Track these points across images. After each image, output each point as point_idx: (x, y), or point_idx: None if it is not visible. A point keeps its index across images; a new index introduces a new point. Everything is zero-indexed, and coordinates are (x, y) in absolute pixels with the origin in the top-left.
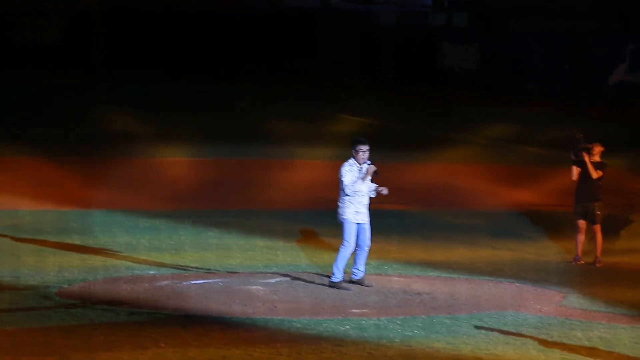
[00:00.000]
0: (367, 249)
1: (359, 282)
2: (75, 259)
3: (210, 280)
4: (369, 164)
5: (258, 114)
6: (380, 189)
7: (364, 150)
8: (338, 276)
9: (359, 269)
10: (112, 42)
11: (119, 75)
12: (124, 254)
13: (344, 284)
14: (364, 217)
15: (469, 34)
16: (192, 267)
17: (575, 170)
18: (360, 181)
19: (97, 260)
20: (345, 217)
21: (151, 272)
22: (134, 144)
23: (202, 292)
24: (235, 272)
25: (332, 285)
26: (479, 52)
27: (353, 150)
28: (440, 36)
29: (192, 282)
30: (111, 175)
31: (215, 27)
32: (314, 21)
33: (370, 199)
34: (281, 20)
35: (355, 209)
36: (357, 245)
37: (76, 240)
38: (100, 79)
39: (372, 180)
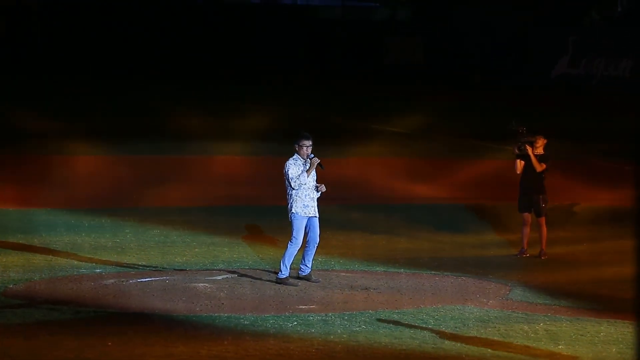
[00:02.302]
0: (315, 245)
1: (306, 278)
2: (19, 258)
3: (156, 278)
4: (311, 157)
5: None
6: (318, 186)
7: (307, 145)
8: (285, 272)
9: (307, 265)
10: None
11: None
12: (68, 253)
13: (291, 280)
14: (312, 211)
15: (413, 28)
16: (137, 265)
17: (519, 164)
18: (305, 174)
19: (41, 260)
20: (293, 211)
21: (96, 270)
22: (70, 142)
23: (147, 290)
24: (180, 270)
25: (280, 281)
26: (423, 46)
27: (296, 146)
28: (384, 31)
29: (138, 280)
30: (52, 173)
31: (149, 22)
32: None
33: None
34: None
35: (303, 203)
36: (307, 241)
37: (20, 239)
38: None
39: (316, 173)
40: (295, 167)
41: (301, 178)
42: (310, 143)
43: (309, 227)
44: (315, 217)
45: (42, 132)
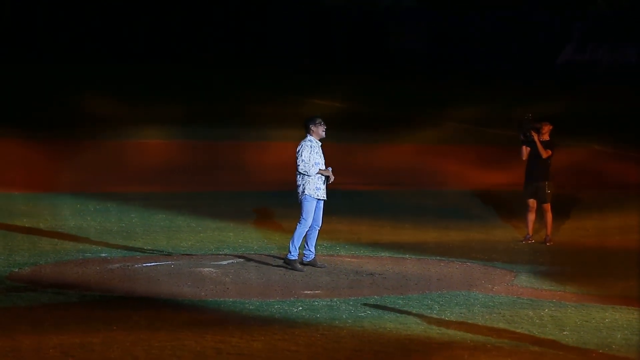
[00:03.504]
0: (318, 228)
1: (311, 264)
2: (25, 242)
3: (162, 263)
4: (329, 169)
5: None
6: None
7: (323, 124)
8: (294, 254)
9: (311, 250)
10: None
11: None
12: (74, 237)
13: (298, 265)
14: (323, 194)
15: (418, 14)
16: (143, 250)
17: (525, 150)
18: (316, 168)
19: (47, 244)
20: (306, 193)
21: (102, 255)
22: (81, 127)
23: (153, 275)
24: (186, 255)
25: (288, 262)
26: (428, 32)
27: (312, 125)
28: (389, 16)
29: (143, 264)
30: (60, 157)
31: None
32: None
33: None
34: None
35: (316, 185)
36: (310, 224)
37: (26, 223)
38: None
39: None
40: (308, 151)
41: (311, 170)
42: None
43: (316, 210)
44: (324, 200)
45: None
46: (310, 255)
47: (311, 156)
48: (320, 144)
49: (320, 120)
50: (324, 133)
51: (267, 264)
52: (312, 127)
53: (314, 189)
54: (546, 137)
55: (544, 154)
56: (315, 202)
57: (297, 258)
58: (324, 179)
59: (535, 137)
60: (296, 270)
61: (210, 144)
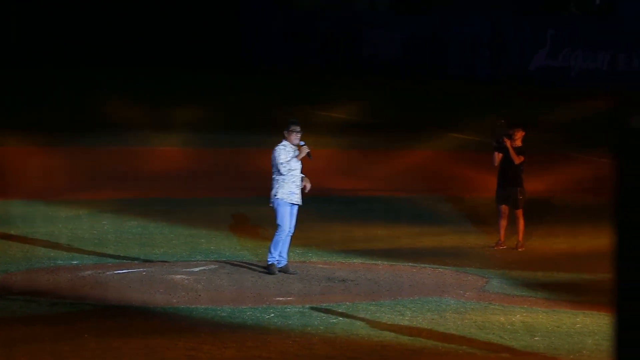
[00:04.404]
0: (291, 234)
1: (283, 270)
2: None
3: (133, 270)
4: (302, 144)
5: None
6: (304, 177)
7: (297, 131)
8: (271, 259)
9: (283, 256)
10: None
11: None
12: (45, 244)
13: (273, 269)
14: (297, 199)
15: (392, 20)
16: (115, 257)
17: (497, 156)
18: (294, 159)
19: (18, 251)
20: (278, 197)
21: (74, 262)
22: (49, 133)
23: (125, 282)
24: (158, 262)
25: (269, 267)
26: (401, 39)
27: (286, 132)
28: (363, 22)
29: (115, 272)
30: (31, 164)
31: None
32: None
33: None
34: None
35: (289, 189)
36: (286, 230)
37: None
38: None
39: (302, 163)
40: (285, 153)
41: (291, 163)
42: (300, 129)
43: (290, 216)
44: (298, 205)
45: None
46: (282, 261)
47: (287, 157)
48: (295, 148)
49: (294, 127)
50: (296, 141)
51: (239, 270)
52: (285, 134)
53: (287, 193)
54: (519, 143)
55: (516, 160)
56: (288, 207)
57: (273, 263)
58: (298, 184)
59: (508, 144)
60: (270, 273)
61: (186, 150)
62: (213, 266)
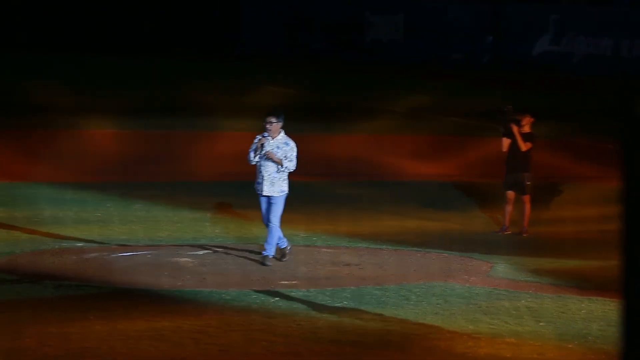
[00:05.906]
0: (270, 226)
1: (261, 259)
2: (1, 231)
3: (138, 253)
4: (265, 136)
5: (185, 87)
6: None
7: (266, 121)
8: (282, 244)
9: (265, 247)
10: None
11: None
12: (50, 227)
13: (270, 259)
14: (261, 188)
15: (394, 4)
16: (119, 240)
17: (505, 142)
18: (252, 153)
19: (23, 233)
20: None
21: (78, 244)
22: (57, 116)
23: (130, 265)
24: (163, 245)
25: (281, 250)
26: (404, 23)
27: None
28: (365, 6)
29: (120, 254)
30: (36, 147)
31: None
32: None
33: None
34: None
35: (257, 180)
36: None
37: (1, 212)
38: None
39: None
40: (256, 143)
41: (250, 155)
42: (273, 120)
43: (261, 206)
44: (267, 197)
45: (32, 105)
46: (265, 252)
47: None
48: (270, 139)
49: (265, 117)
50: (268, 130)
51: (244, 254)
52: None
53: (255, 183)
54: (527, 129)
55: (523, 146)
56: (260, 198)
57: (286, 245)
58: (264, 176)
59: (515, 130)
60: (282, 257)
61: (190, 133)
62: (218, 250)
